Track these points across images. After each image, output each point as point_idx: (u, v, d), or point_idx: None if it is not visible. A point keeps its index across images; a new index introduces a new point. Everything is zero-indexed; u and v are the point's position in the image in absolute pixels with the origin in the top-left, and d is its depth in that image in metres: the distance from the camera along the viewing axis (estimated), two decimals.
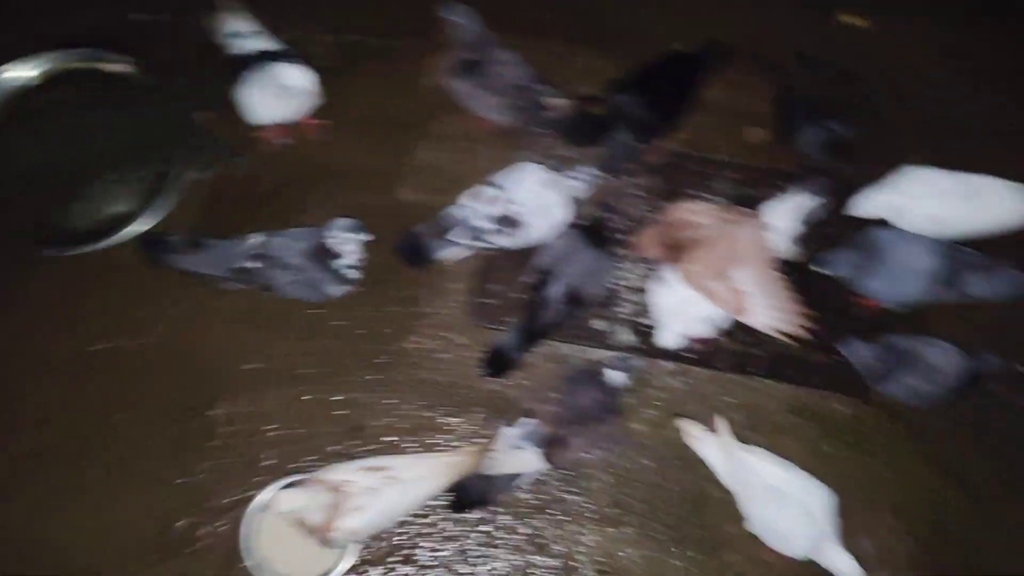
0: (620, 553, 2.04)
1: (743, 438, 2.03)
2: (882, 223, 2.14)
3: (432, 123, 2.43)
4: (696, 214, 2.10)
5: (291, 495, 1.85)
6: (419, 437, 2.13)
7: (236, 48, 2.27)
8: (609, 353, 2.17)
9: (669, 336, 2.09)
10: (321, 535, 1.82)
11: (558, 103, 2.17)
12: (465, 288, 2.26)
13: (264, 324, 2.22)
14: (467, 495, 1.97)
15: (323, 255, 2.09)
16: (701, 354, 2.18)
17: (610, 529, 2.06)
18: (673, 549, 2.05)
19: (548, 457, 1.94)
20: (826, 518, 1.87)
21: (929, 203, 2.10)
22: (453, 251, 2.18)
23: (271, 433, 2.13)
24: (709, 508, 2.07)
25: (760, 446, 2.01)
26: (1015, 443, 2.15)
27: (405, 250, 2.15)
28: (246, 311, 2.23)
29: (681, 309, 2.06)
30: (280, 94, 2.20)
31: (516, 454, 1.93)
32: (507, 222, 2.09)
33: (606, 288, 2.21)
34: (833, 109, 2.26)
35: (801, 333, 1.98)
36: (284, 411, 2.15)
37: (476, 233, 2.10)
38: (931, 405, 2.04)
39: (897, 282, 2.06)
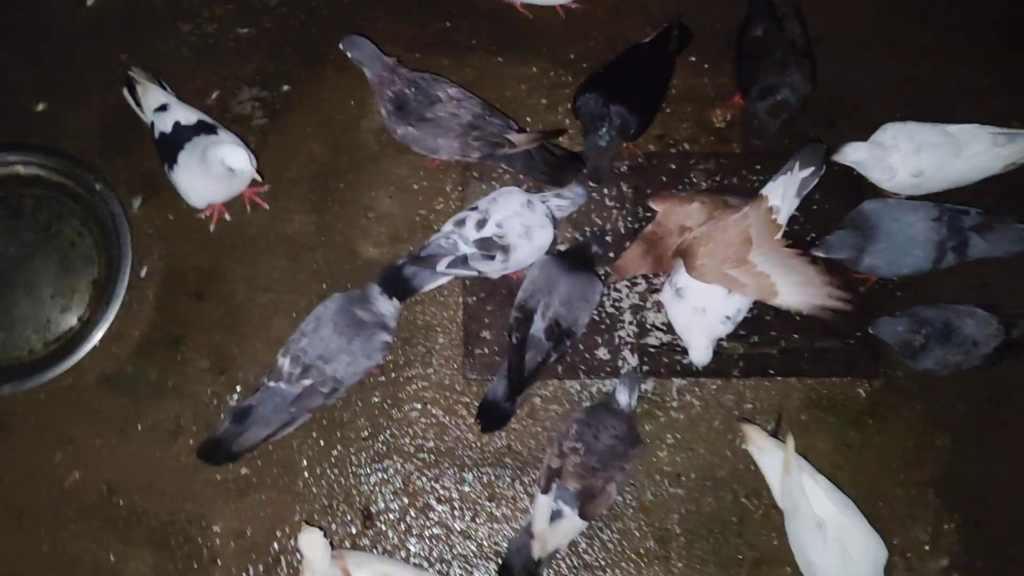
0: None
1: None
2: (872, 194, 2.05)
3: (380, 166, 2.24)
4: (686, 215, 1.97)
5: (319, 542, 1.75)
6: (433, 514, 2.03)
7: (160, 125, 2.05)
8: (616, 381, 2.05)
9: (700, 351, 1.97)
10: None
11: (519, 139, 2.00)
12: (453, 341, 2.13)
13: None
14: (511, 574, 1.87)
15: (357, 306, 1.95)
16: None
17: (655, 568, 1.99)
18: (721, 573, 1.98)
19: (586, 514, 1.83)
20: (869, 570, 1.78)
21: (911, 158, 1.99)
22: (439, 281, 2.05)
23: (277, 534, 2.01)
24: (750, 525, 2.00)
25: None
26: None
27: (389, 283, 2.00)
28: None
29: (700, 317, 1.94)
30: (218, 173, 2.00)
31: (558, 524, 1.82)
32: (493, 246, 1.96)
33: (593, 315, 2.07)
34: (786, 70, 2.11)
35: (839, 305, 1.88)
36: (287, 511, 2.03)
37: (462, 262, 1.97)
38: (956, 372, 1.97)
39: (899, 256, 1.96)
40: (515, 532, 1.99)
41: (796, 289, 1.90)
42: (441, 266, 1.96)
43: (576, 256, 2.06)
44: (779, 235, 1.94)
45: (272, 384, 1.89)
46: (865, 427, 2.06)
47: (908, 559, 1.96)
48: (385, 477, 2.05)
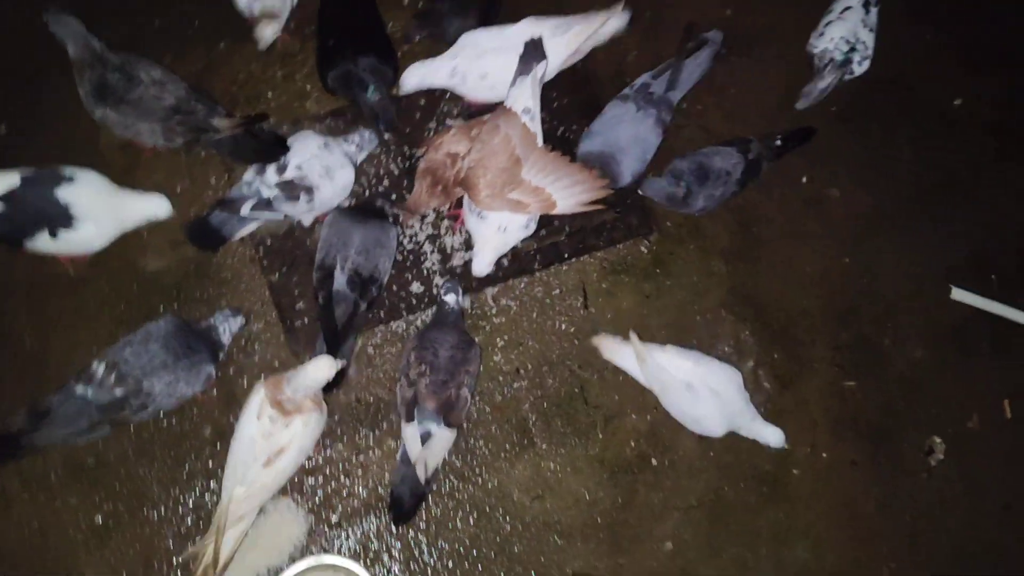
0: (544, 472, 2.13)
1: (588, 319, 2.20)
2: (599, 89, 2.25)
3: (136, 177, 2.17)
4: (451, 144, 2.09)
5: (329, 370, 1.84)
6: (308, 487, 2.06)
7: None
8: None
9: (484, 264, 2.12)
10: None
11: (223, 124, 2.01)
12: (270, 322, 2.13)
13: (93, 471, 1.97)
14: (403, 505, 1.94)
15: (191, 336, 1.93)
16: None
17: (524, 456, 2.14)
18: (581, 440, 2.17)
19: (452, 423, 1.93)
20: (737, 395, 2.04)
21: (476, 63, 2.17)
22: (247, 228, 2.08)
23: (155, 565, 1.94)
24: (591, 390, 2.20)
25: (602, 316, 2.20)
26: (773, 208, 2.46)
27: (197, 236, 2.02)
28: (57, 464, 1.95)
29: (503, 236, 2.10)
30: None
31: (431, 443, 1.91)
32: (296, 188, 2.00)
33: (396, 258, 2.15)
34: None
35: (604, 193, 2.09)
36: (157, 540, 1.96)
37: (267, 205, 2.00)
38: (721, 205, 2.26)
39: (643, 151, 2.19)
40: (391, 470, 2.06)
41: (568, 192, 2.08)
42: (245, 210, 1.98)
43: (364, 208, 2.13)
44: (539, 140, 2.11)
45: (79, 389, 1.84)
46: (655, 277, 2.32)
47: None
48: None
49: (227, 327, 2.01)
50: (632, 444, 2.18)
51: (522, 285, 2.26)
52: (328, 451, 2.07)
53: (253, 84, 2.26)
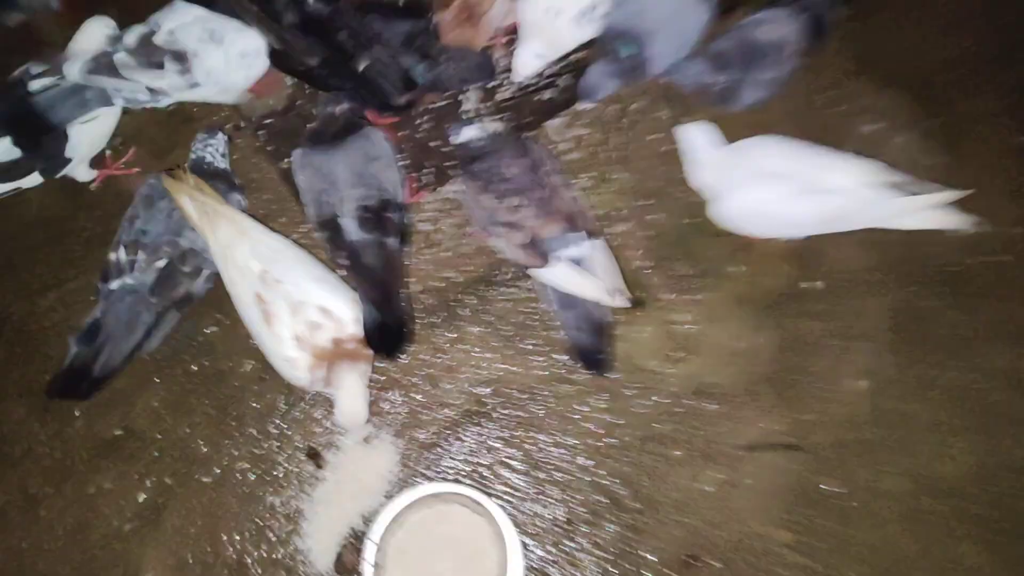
0: (677, 329, 1.67)
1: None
2: None
3: None
4: None
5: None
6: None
7: None
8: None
9: (527, 60, 1.67)
10: None
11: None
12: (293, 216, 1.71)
13: (122, 443, 1.59)
14: (592, 352, 1.56)
15: None
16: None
17: (648, 315, 1.67)
18: (712, 280, 1.70)
19: (591, 230, 1.54)
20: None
21: None
22: (88, 112, 1.60)
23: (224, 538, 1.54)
24: (701, 235, 1.72)
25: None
26: None
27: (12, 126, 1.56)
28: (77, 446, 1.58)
29: (552, 19, 1.63)
30: None
31: (593, 265, 1.50)
32: (157, 53, 1.54)
33: (395, 161, 1.61)
34: None
35: None
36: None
37: (110, 70, 1.54)
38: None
39: (681, 37, 1.65)
40: (485, 365, 1.65)
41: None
42: (73, 71, 1.53)
43: (327, 129, 1.62)
44: None
45: (115, 284, 1.48)
46: None
47: None
48: None
49: (214, 151, 1.63)
50: (778, 269, 1.70)
51: (590, 107, 1.78)
52: (404, 358, 1.63)
53: None
